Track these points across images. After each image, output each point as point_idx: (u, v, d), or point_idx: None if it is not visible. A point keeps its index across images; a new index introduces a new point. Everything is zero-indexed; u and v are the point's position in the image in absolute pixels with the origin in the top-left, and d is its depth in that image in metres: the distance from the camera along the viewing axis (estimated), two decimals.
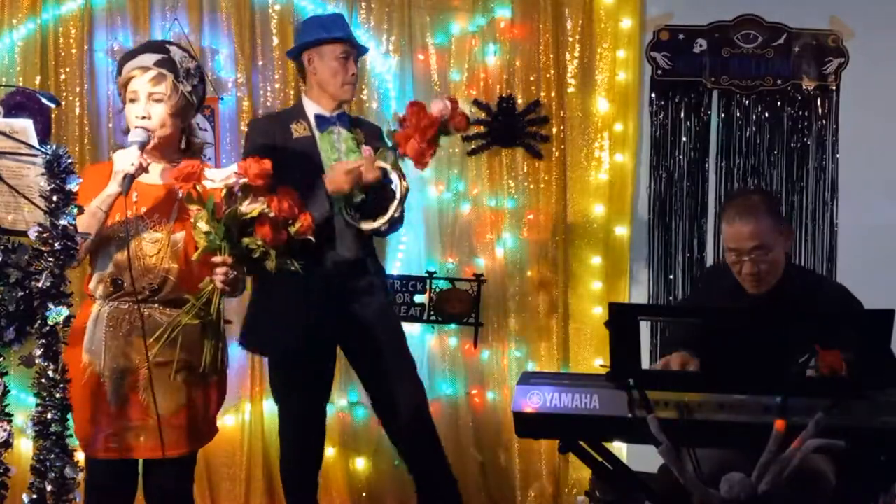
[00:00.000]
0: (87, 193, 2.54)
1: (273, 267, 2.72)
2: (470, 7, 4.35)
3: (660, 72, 4.38)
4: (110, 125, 4.29)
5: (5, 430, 2.32)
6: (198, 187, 2.65)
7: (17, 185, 2.33)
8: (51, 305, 2.28)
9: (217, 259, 2.68)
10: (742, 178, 4.36)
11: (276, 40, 4.31)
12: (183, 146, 2.90)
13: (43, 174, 2.29)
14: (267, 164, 2.68)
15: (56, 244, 2.29)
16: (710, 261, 4.38)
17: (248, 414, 4.34)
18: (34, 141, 2.32)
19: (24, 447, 3.62)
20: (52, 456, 2.30)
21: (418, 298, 4.33)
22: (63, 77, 4.28)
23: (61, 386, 2.30)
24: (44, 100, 2.82)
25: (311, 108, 3.54)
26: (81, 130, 4.29)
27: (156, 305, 2.79)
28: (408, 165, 3.43)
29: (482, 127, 4.32)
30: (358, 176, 3.33)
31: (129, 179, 2.65)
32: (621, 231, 4.40)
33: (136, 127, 2.75)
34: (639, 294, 4.40)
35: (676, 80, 4.38)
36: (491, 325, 4.38)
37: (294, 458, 3.66)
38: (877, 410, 2.38)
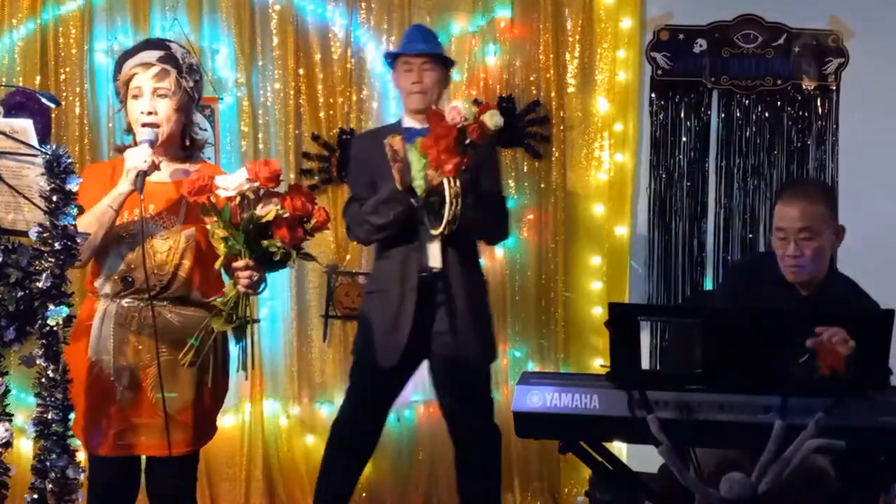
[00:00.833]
0: (87, 193, 2.53)
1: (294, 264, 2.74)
2: (470, 7, 4.35)
3: (660, 72, 4.38)
4: (110, 125, 4.29)
5: (6, 430, 2.33)
6: (211, 198, 2.65)
7: (17, 185, 2.33)
8: (51, 305, 2.28)
9: (239, 264, 2.67)
10: (742, 178, 4.36)
11: (276, 40, 4.31)
12: (187, 143, 2.91)
13: (43, 174, 2.29)
14: (275, 164, 2.67)
15: (56, 244, 2.29)
16: (710, 261, 4.39)
17: (247, 414, 4.34)
18: (34, 141, 2.32)
19: (25, 447, 3.62)
20: (54, 456, 2.30)
21: None
22: (63, 77, 4.29)
23: (62, 386, 2.31)
24: (44, 100, 2.82)
25: (406, 122, 3.61)
26: (81, 130, 4.30)
27: (165, 303, 2.79)
28: None
29: None
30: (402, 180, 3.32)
31: (143, 177, 2.65)
32: (621, 231, 4.39)
33: (143, 125, 2.75)
34: (639, 294, 4.40)
35: (676, 80, 4.38)
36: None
37: (325, 458, 3.65)
38: (877, 410, 2.38)
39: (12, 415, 2.37)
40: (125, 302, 2.78)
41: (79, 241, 2.34)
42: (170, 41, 2.94)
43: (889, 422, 2.36)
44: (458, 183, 3.24)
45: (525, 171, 4.39)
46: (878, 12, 4.26)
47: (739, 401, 2.41)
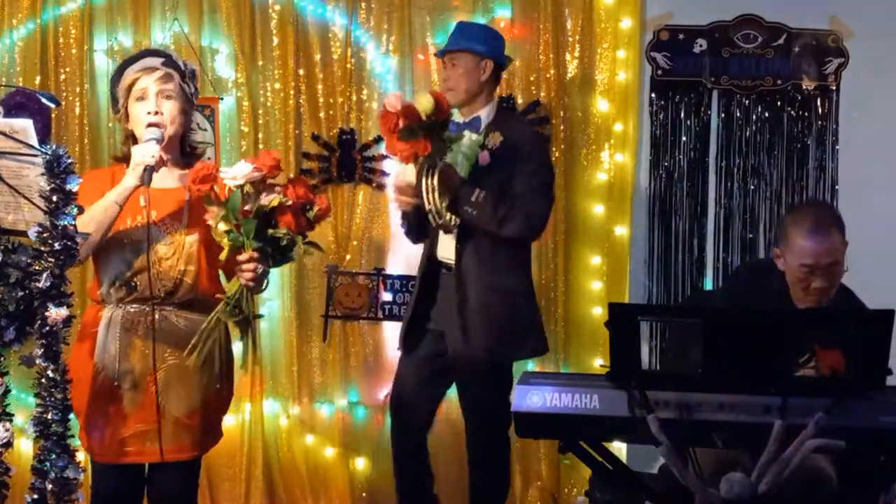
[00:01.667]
0: (85, 199, 2.52)
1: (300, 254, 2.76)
2: (470, 7, 4.34)
3: (660, 72, 4.38)
4: (110, 125, 4.29)
5: (6, 430, 2.33)
6: (215, 188, 2.66)
7: (17, 185, 2.34)
8: (51, 305, 2.28)
9: (243, 257, 2.68)
10: (742, 178, 4.36)
11: (276, 40, 4.31)
12: (187, 149, 2.92)
13: (43, 174, 2.29)
14: (276, 153, 2.71)
15: (56, 244, 2.29)
16: (710, 261, 4.39)
17: (248, 414, 4.34)
18: (34, 141, 2.32)
19: (25, 447, 3.62)
20: (54, 456, 2.30)
21: None
22: (63, 77, 4.29)
23: (62, 386, 2.31)
24: (44, 100, 2.83)
25: (456, 117, 3.65)
26: (81, 130, 4.29)
27: (170, 308, 2.79)
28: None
29: None
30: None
31: (150, 172, 2.66)
32: (621, 231, 4.39)
33: (149, 125, 2.76)
34: (639, 294, 4.40)
35: (676, 80, 4.38)
36: None
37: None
38: (877, 410, 2.38)
39: (12, 415, 2.38)
40: (131, 308, 2.78)
41: (78, 241, 2.34)
42: (168, 51, 2.98)
43: (889, 422, 2.37)
44: (433, 176, 3.30)
45: None
46: (878, 12, 4.26)
47: (739, 401, 2.41)
